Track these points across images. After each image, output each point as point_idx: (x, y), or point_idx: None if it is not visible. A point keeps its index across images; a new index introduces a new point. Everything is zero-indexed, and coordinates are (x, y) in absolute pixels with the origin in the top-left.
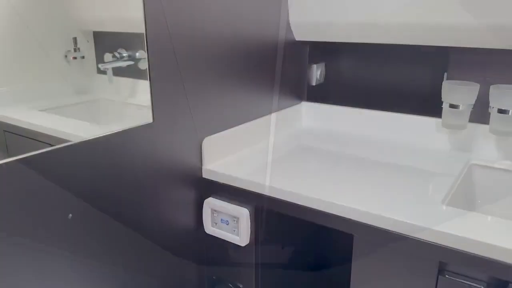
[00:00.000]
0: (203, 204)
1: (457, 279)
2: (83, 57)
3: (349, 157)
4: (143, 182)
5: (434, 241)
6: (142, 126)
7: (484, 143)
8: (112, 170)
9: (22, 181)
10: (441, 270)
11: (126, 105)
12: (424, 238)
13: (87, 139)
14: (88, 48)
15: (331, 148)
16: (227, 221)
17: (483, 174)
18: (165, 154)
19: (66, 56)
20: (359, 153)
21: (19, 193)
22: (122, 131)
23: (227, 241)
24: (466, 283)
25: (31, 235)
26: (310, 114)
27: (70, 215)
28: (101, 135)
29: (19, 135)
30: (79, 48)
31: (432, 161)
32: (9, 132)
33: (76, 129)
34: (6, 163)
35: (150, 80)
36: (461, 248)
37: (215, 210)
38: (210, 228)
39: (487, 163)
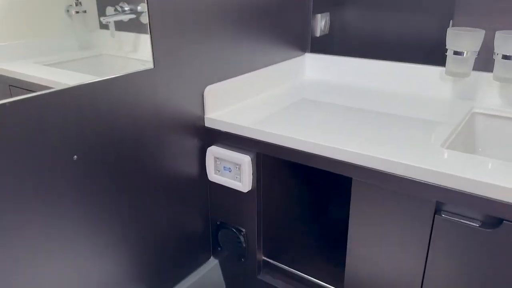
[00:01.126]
0: (206, 152)
1: (453, 218)
2: (85, 12)
3: (351, 108)
4: (145, 128)
5: (432, 182)
6: (142, 71)
7: (487, 91)
8: (114, 114)
9: (28, 120)
10: (438, 210)
11: (129, 60)
12: (421, 179)
13: (88, 82)
14: (90, 3)
15: (334, 99)
16: (230, 168)
17: (485, 122)
18: (166, 102)
19: (68, 11)
20: (362, 105)
21: (24, 132)
22: (123, 75)
23: (230, 187)
24: (461, 222)
25: (38, 174)
26: (313, 65)
27: (75, 156)
28: (102, 79)
29: (24, 89)
30: (80, 2)
31: (435, 110)
32: (14, 86)
33: (80, 82)
34: (11, 102)
35: (150, 27)
36: (458, 188)
37: (217, 158)
38: (213, 175)
39: (489, 111)
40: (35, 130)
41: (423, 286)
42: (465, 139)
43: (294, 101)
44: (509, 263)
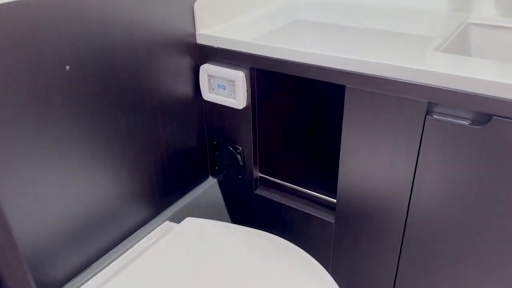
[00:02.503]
0: (199, 71)
1: (444, 118)
2: None
3: (345, 27)
4: (137, 47)
5: (424, 82)
6: None
7: (483, 1)
8: (105, 31)
9: (19, 27)
10: (429, 111)
11: None
12: (413, 80)
13: None
14: None
15: (328, 18)
16: (224, 85)
17: (480, 32)
18: (157, 18)
19: None
20: (356, 23)
21: (16, 37)
22: None
23: (225, 105)
24: (451, 121)
25: (32, 83)
26: None
27: (68, 67)
28: None
29: None
30: None
31: (429, 21)
32: None
33: None
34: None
35: None
36: (449, 86)
37: (211, 76)
38: (207, 94)
39: (484, 21)
40: (27, 36)
41: (412, 190)
42: (459, 48)
43: (287, 19)
44: (498, 158)
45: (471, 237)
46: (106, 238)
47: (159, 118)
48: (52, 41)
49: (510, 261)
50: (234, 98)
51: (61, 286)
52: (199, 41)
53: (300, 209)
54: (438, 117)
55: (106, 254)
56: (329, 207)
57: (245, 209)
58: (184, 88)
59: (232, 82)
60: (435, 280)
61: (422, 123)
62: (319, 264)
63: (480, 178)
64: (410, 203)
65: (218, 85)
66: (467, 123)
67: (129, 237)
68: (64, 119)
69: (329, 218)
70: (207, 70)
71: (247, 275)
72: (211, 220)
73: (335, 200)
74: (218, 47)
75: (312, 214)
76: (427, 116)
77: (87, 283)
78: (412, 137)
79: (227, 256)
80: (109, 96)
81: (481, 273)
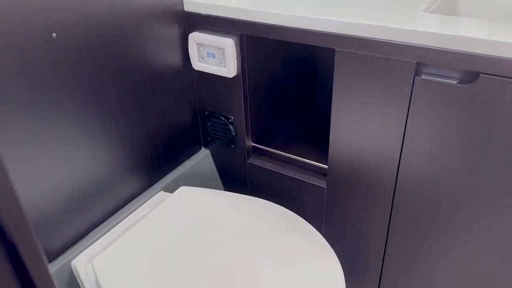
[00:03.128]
0: (188, 39)
1: (432, 78)
2: None
3: None
4: (125, 15)
5: (412, 42)
6: None
7: None
8: None
9: None
10: (417, 72)
11: None
12: (402, 40)
13: None
14: None
15: None
16: (213, 54)
17: None
18: None
19: None
20: None
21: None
22: None
23: (215, 74)
24: (440, 81)
25: (18, 51)
26: None
27: (54, 34)
28: None
29: None
30: None
31: None
32: None
33: None
34: None
35: None
36: (437, 46)
37: (200, 44)
38: (197, 63)
39: None
40: (11, 3)
41: (402, 152)
42: (448, 10)
43: None
44: (486, 115)
45: (460, 198)
46: (101, 209)
47: (149, 88)
48: (37, 8)
49: (497, 221)
50: (224, 67)
51: (56, 257)
52: (187, 8)
53: (293, 176)
54: (427, 77)
55: (102, 224)
56: (321, 173)
57: (238, 178)
58: (173, 58)
59: (221, 50)
60: (425, 241)
61: (411, 84)
62: (313, 227)
63: (469, 137)
64: (400, 165)
65: (207, 54)
66: (455, 82)
67: (124, 207)
68: (53, 88)
69: (321, 184)
70: (195, 38)
71: (242, 239)
72: (205, 189)
73: (326, 166)
74: (206, 14)
75: (305, 180)
76: (415, 77)
77: (83, 252)
78: (401, 99)
79: (222, 221)
80: (97, 64)
81: (469, 233)
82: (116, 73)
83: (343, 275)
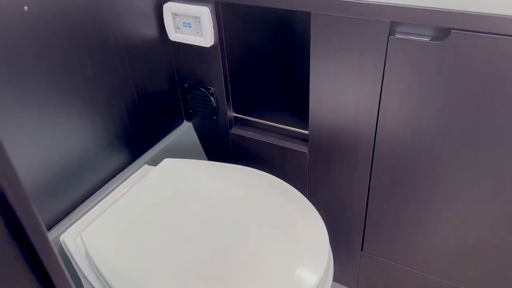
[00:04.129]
0: (163, 10)
1: (406, 36)
2: None
3: None
4: None
5: (386, 1)
6: None
7: None
8: None
9: None
10: (392, 31)
11: None
12: (376, 0)
13: None
14: None
15: None
16: (189, 23)
17: None
18: None
19: None
20: None
21: None
22: None
23: (193, 45)
24: (413, 39)
25: None
26: None
27: (26, 7)
28: None
29: None
30: None
31: None
32: None
33: None
34: None
35: None
36: (410, 3)
37: (175, 14)
38: (173, 34)
39: None
40: None
41: (379, 112)
42: None
43: None
44: (458, 71)
45: (436, 155)
46: (86, 184)
47: (126, 61)
48: None
49: (473, 176)
50: (201, 36)
51: None
52: None
53: (275, 144)
54: (400, 36)
55: (88, 199)
56: (303, 139)
57: (222, 149)
58: (148, 30)
59: (197, 19)
60: (404, 200)
61: (386, 43)
62: (297, 191)
63: (442, 93)
64: (378, 126)
65: (183, 24)
66: (428, 39)
67: (109, 182)
68: (27, 62)
69: (303, 149)
70: (170, 8)
71: (229, 206)
72: (189, 159)
73: (307, 132)
74: None
75: (287, 147)
76: (390, 36)
77: (71, 227)
78: (377, 59)
79: (208, 189)
80: (72, 37)
81: (446, 189)
82: (91, 47)
83: (327, 235)
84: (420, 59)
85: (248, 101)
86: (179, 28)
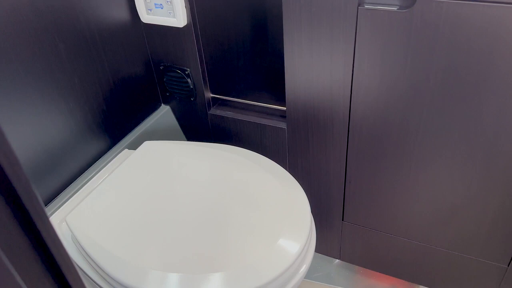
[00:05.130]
0: None
1: (374, 7)
2: None
3: None
4: None
5: None
6: None
7: None
8: None
9: None
10: (360, 2)
11: None
12: None
13: None
14: None
15: None
16: (161, 4)
17: None
18: None
19: None
20: None
21: None
22: None
23: (166, 26)
24: (381, 9)
25: None
26: None
27: None
28: None
29: None
30: None
31: None
32: None
33: None
34: None
35: None
36: None
37: None
38: (145, 16)
39: None
40: None
41: (353, 84)
42: None
43: None
44: (425, 37)
45: (409, 122)
46: (68, 170)
47: (100, 45)
48: None
49: (445, 141)
50: (174, 16)
51: None
52: None
53: (254, 122)
54: (369, 6)
55: (70, 185)
56: (281, 115)
57: (201, 130)
58: (120, 13)
59: None
60: (381, 168)
61: (356, 15)
62: (278, 165)
63: (412, 62)
64: (352, 97)
65: (155, 5)
66: (396, 8)
67: (90, 167)
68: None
69: (281, 125)
70: None
71: (212, 183)
72: (169, 141)
73: (285, 108)
74: None
75: (266, 124)
76: (359, 7)
77: (55, 213)
78: (348, 31)
79: (189, 169)
80: (42, 21)
81: (421, 156)
82: (63, 31)
83: (308, 204)
84: (389, 29)
85: (225, 81)
86: (151, 10)
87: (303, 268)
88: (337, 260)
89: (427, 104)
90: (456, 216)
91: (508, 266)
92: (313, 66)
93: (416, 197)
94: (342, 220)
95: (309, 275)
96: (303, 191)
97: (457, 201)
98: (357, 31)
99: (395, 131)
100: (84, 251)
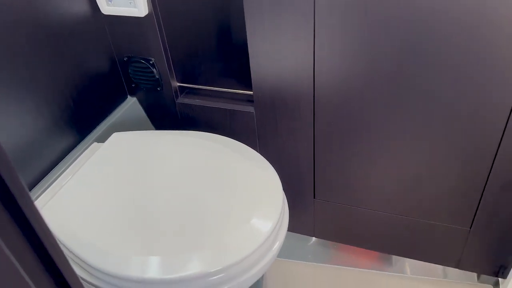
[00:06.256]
0: None
1: None
2: None
3: None
4: None
5: None
6: None
7: None
8: None
9: None
10: None
11: None
12: None
13: None
14: None
15: None
16: None
17: None
18: None
19: None
20: None
21: None
22: None
23: (127, 16)
24: None
25: None
26: None
27: None
28: None
29: None
30: None
31: None
32: None
33: None
34: None
35: None
36: None
37: None
38: (105, 7)
39: None
40: None
41: (315, 64)
42: None
43: None
44: (380, 14)
45: (368, 98)
46: (38, 167)
47: (61, 40)
48: None
49: (400, 111)
50: (135, 6)
51: None
52: None
53: (223, 107)
54: None
55: (40, 182)
56: (248, 100)
57: (170, 120)
58: (80, 6)
59: None
60: (346, 143)
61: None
62: (249, 147)
63: (367, 36)
64: (315, 78)
65: None
66: None
67: (60, 163)
68: None
69: (249, 109)
70: None
71: (184, 168)
72: (138, 131)
73: (252, 92)
74: None
75: (234, 109)
76: None
77: None
78: (307, 13)
79: (161, 157)
80: (1, 18)
81: (381, 129)
82: (24, 26)
83: (280, 182)
84: (345, 9)
85: (191, 69)
86: (111, 1)
87: (277, 245)
88: (314, 238)
89: (385, 79)
90: (419, 184)
91: (470, 228)
92: (276, 49)
93: (382, 170)
94: (314, 198)
95: (287, 255)
96: (274, 170)
97: (419, 170)
98: (315, 13)
99: (357, 107)
100: (63, 244)
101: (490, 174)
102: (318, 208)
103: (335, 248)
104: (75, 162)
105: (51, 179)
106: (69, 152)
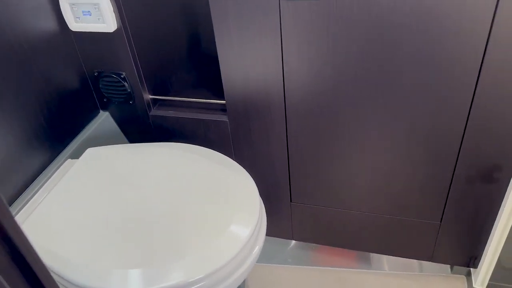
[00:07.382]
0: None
1: None
2: None
3: None
4: None
5: None
6: None
7: None
8: None
9: None
10: None
11: None
12: None
13: None
14: None
15: None
16: (89, 11)
17: None
18: None
19: None
20: None
21: None
22: None
23: (96, 32)
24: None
25: None
26: None
27: None
28: None
29: None
30: None
31: None
32: None
33: None
34: None
35: None
36: None
37: (73, 4)
38: (74, 24)
39: None
40: None
41: (284, 70)
42: None
43: None
44: (342, 19)
45: (337, 101)
46: (9, 189)
47: (30, 57)
48: None
49: (370, 112)
50: (103, 22)
51: None
52: None
53: (197, 118)
54: None
55: (15, 201)
56: (221, 109)
57: (143, 132)
58: (47, 23)
59: (96, 5)
60: (318, 146)
61: (278, 7)
62: (225, 155)
63: (333, 45)
64: (285, 83)
65: (83, 12)
66: None
67: (34, 181)
68: None
69: (223, 118)
70: None
71: (160, 179)
72: (113, 145)
73: (224, 101)
74: None
75: (208, 119)
76: (280, 0)
77: None
78: (273, 23)
79: (137, 169)
80: None
81: (352, 131)
82: None
83: (256, 189)
84: (309, 17)
85: (163, 81)
86: (79, 17)
87: (256, 249)
88: (293, 242)
89: (351, 81)
90: (389, 183)
91: (440, 222)
92: (246, 58)
93: (353, 170)
94: (291, 201)
95: (268, 259)
96: (250, 177)
97: (388, 169)
98: (281, 22)
99: (327, 110)
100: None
101: (455, 169)
102: (295, 211)
103: (314, 250)
104: (50, 180)
105: (26, 198)
106: (43, 170)
